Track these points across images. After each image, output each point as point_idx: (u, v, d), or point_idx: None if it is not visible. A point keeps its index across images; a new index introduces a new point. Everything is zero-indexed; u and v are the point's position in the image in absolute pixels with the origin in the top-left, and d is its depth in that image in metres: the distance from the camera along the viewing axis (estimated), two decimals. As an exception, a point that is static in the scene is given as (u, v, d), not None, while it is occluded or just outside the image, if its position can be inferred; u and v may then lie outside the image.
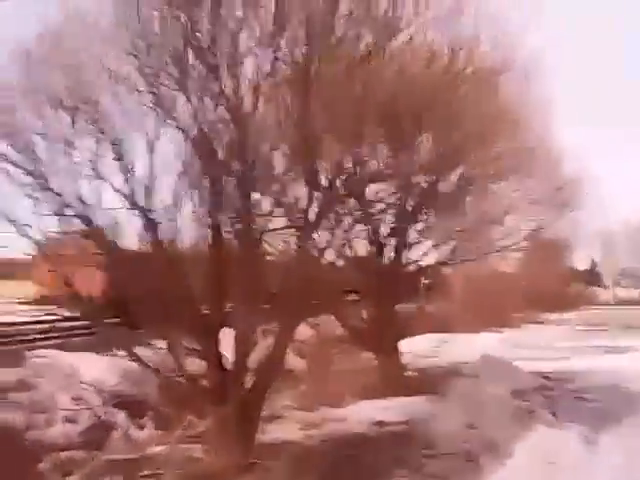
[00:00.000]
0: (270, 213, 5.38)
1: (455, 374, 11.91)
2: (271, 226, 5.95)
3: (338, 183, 6.11)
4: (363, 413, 7.92)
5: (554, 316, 36.10)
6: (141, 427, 8.19)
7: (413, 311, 10.81)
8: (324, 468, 5.24)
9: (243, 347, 5.42)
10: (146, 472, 5.81)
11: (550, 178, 8.88)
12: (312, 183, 5.72)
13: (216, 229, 5.61)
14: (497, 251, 9.80)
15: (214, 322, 5.62)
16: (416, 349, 17.77)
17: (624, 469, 5.37)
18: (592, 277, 54.63)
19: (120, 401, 8.08)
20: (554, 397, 9.23)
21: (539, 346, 18.36)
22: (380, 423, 7.26)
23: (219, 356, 5.69)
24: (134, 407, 8.12)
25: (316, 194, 5.83)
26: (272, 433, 6.94)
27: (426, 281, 42.17)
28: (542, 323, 32.10)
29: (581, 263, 57.10)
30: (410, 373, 12.46)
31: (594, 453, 5.96)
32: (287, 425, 7.36)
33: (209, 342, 5.61)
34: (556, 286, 46.22)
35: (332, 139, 6.02)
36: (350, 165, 6.30)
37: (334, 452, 5.65)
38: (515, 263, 35.88)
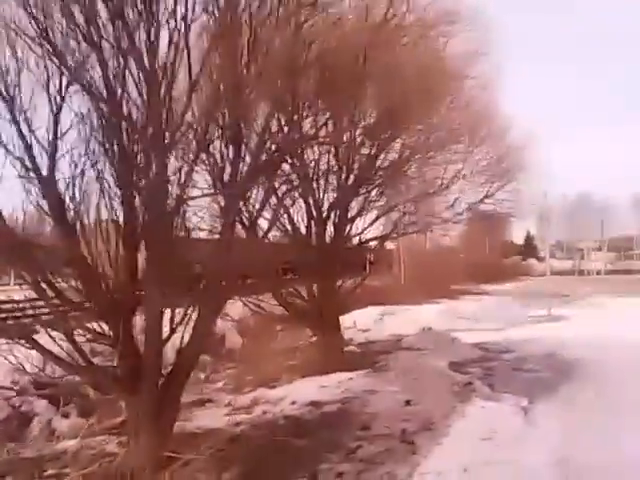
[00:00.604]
0: (186, 182, 4.69)
1: (396, 347, 11.82)
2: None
3: (268, 144, 5.52)
4: (299, 393, 7.52)
5: (492, 287, 37.40)
6: (65, 416, 7.68)
7: (355, 286, 10.40)
8: (248, 457, 4.79)
9: (156, 331, 4.81)
10: (50, 471, 5.19)
11: (494, 146, 8.64)
12: (237, 144, 5.09)
13: (127, 201, 4.91)
14: (439, 223, 9.54)
15: (125, 305, 4.96)
16: (359, 323, 17.78)
17: (560, 441, 5.24)
18: (529, 249, 57.20)
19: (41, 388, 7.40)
20: (492, 368, 9.19)
21: (478, 317, 18.68)
22: (315, 404, 6.87)
23: (132, 342, 5.06)
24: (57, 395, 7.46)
25: (244, 158, 5.22)
26: (198, 420, 6.43)
27: (369, 256, 42.74)
28: (481, 294, 33.08)
29: (518, 236, 59.73)
30: (352, 348, 12.27)
31: (531, 425, 5.83)
32: (216, 410, 6.86)
33: (119, 326, 4.95)
34: (494, 258, 48.09)
35: (263, 97, 5.41)
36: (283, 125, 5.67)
37: (261, 438, 5.20)
38: (456, 236, 36.84)
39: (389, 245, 35.31)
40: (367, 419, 5.99)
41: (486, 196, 9.14)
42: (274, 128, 5.68)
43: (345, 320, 17.69)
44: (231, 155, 5.26)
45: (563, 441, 5.19)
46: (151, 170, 4.62)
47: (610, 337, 11.66)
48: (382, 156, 8.74)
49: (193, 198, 5.02)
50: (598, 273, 49.21)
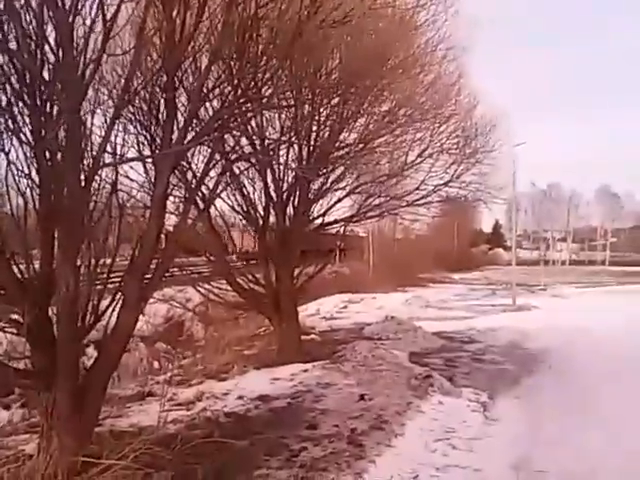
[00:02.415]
0: (103, 145, 4.03)
1: (358, 336, 11.43)
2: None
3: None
4: (248, 386, 7.01)
5: (460, 275, 37.66)
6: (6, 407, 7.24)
7: (315, 272, 9.89)
8: (176, 462, 4.25)
9: (69, 318, 4.19)
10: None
11: (461, 125, 8.19)
12: (170, 100, 4.43)
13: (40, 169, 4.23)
14: (405, 206, 9.08)
15: (37, 289, 4.31)
16: (324, 310, 17.39)
17: (519, 442, 4.88)
18: (496, 238, 57.90)
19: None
20: (453, 359, 8.86)
21: (443, 306, 18.53)
22: (264, 398, 6.37)
23: (47, 330, 4.42)
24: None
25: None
26: (132, 417, 5.85)
27: (339, 242, 42.47)
28: (448, 283, 33.19)
29: (486, 225, 60.42)
30: (313, 336, 11.83)
31: (490, 424, 5.47)
32: (155, 405, 6.26)
33: (32, 313, 4.30)
34: (463, 247, 48.51)
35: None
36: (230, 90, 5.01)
37: (196, 439, 4.66)
38: (426, 224, 36.86)
39: (360, 232, 35.22)
40: (316, 416, 5.52)
41: (452, 179, 8.72)
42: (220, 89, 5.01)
43: (309, 307, 17.41)
44: (163, 115, 4.62)
45: (522, 442, 4.83)
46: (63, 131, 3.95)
47: (573, 328, 11.55)
48: (346, 133, 8.18)
49: (107, 165, 4.33)
50: (563, 263, 50.20)
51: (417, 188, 9.17)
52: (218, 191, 6.10)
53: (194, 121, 4.70)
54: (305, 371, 7.79)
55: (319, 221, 9.28)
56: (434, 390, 6.39)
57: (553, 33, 67.59)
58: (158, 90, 4.53)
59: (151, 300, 10.20)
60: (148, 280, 4.78)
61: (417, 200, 8.90)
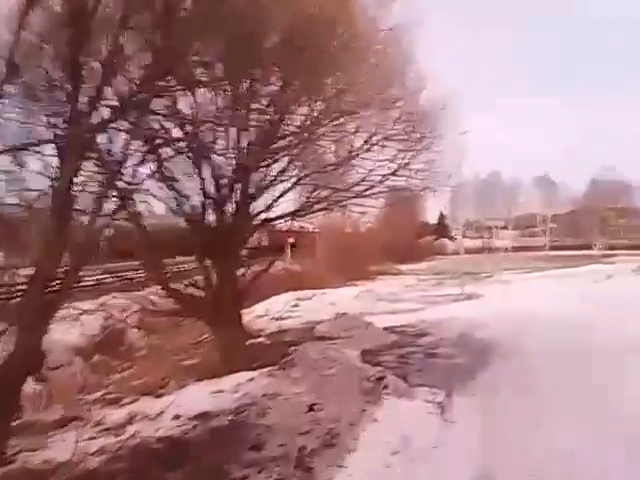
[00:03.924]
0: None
1: (308, 336, 10.95)
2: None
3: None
4: (187, 402, 6.35)
5: (408, 267, 38.01)
6: None
7: (260, 271, 9.30)
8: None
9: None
10: None
11: (407, 110, 7.80)
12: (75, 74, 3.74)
13: None
14: (351, 197, 8.63)
15: None
16: (273, 310, 16.78)
17: (480, 447, 4.53)
18: (442, 229, 58.97)
19: None
20: (406, 356, 8.53)
21: (393, 299, 18.35)
22: (203, 416, 5.74)
23: None
24: None
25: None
26: (51, 449, 5.09)
27: (290, 239, 42.09)
28: (398, 274, 33.37)
29: (431, 216, 61.48)
30: (261, 339, 11.24)
31: (448, 428, 5.10)
32: (80, 432, 5.52)
33: None
34: (410, 238, 49.07)
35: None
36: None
37: (121, 474, 4.02)
38: (374, 217, 36.88)
39: (311, 228, 34.73)
40: (262, 434, 4.97)
41: (399, 167, 8.35)
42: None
43: (258, 308, 16.76)
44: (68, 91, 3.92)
45: (483, 447, 4.48)
46: None
47: (520, 313, 11.59)
48: (287, 122, 7.63)
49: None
50: (506, 250, 51.72)
51: (364, 179, 8.75)
52: (139, 181, 5.39)
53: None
54: (251, 380, 7.20)
55: (263, 217, 8.69)
56: (388, 393, 5.99)
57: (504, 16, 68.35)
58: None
59: (80, 310, 9.33)
60: (56, 288, 4.09)
61: (364, 191, 8.47)
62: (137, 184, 5.39)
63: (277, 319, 15.04)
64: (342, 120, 7.65)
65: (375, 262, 36.53)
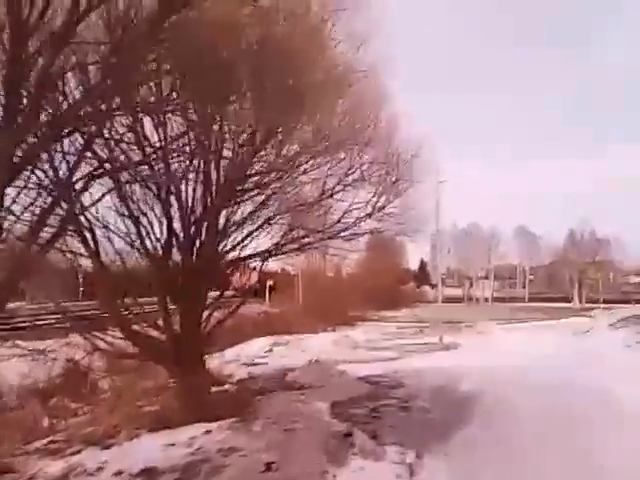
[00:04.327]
0: None
1: (278, 385, 10.39)
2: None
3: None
4: (134, 456, 5.78)
5: (389, 314, 37.58)
6: None
7: (226, 315, 8.82)
8: None
9: None
10: None
11: (381, 153, 7.64)
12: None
13: None
14: (325, 239, 8.32)
15: None
16: (246, 355, 16.13)
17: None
18: (423, 276, 59.02)
19: None
20: (378, 409, 8.03)
21: (371, 346, 17.86)
22: (149, 473, 5.18)
23: None
24: None
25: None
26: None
27: (269, 281, 41.42)
28: (378, 321, 32.86)
29: (413, 263, 61.69)
30: (227, 386, 10.62)
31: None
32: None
33: None
34: (391, 285, 48.85)
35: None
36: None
37: None
38: (355, 262, 36.69)
39: (292, 271, 34.28)
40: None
41: (374, 211, 8.11)
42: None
43: (230, 352, 16.10)
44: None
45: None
46: None
47: (502, 368, 11.14)
48: (258, 160, 7.40)
49: None
50: (486, 300, 51.74)
51: (339, 221, 8.48)
52: (86, 205, 4.99)
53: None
54: (208, 432, 6.63)
55: (231, 256, 8.30)
56: (354, 452, 5.48)
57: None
58: None
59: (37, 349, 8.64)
60: None
61: (338, 233, 8.19)
62: (82, 207, 4.99)
63: (248, 364, 14.41)
64: (315, 161, 7.44)
65: (356, 308, 36.04)
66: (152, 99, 4.91)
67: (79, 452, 6.44)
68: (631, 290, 49.46)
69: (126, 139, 5.42)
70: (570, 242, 51.78)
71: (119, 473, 5.21)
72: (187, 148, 6.04)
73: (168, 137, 6.13)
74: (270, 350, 17.27)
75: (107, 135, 4.71)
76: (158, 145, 5.84)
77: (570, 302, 45.14)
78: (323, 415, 7.14)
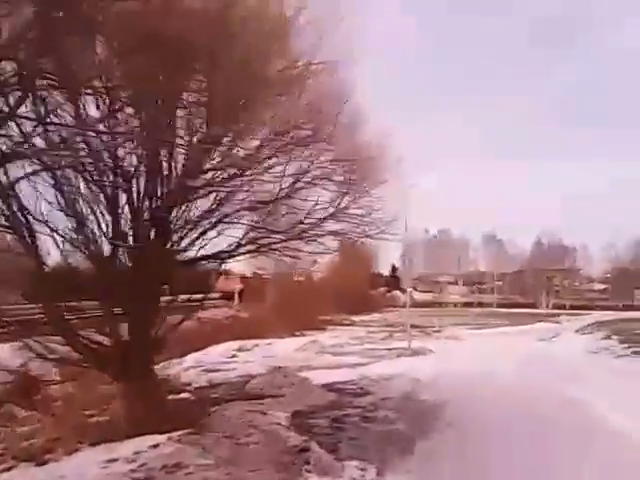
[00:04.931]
0: None
1: (238, 393, 9.88)
2: None
3: None
4: (70, 472, 5.25)
5: (359, 318, 37.36)
6: None
7: (179, 321, 8.25)
8: None
9: None
10: None
11: (343, 149, 7.24)
12: None
13: None
14: (282, 240, 7.87)
15: None
16: (208, 361, 15.53)
17: None
18: (394, 281, 59.09)
19: None
20: (340, 419, 7.63)
21: (339, 351, 17.47)
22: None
23: None
24: None
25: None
26: None
27: (238, 285, 40.81)
28: (347, 325, 32.58)
29: (384, 268, 61.77)
30: (184, 395, 10.07)
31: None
32: None
33: None
34: (362, 289, 48.75)
35: None
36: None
37: None
38: (325, 266, 36.37)
39: (263, 274, 33.65)
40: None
41: (336, 211, 7.73)
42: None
43: (191, 358, 15.48)
44: None
45: None
46: None
47: (470, 375, 10.89)
48: (213, 157, 6.93)
49: None
50: (455, 305, 52.12)
51: (301, 222, 8.04)
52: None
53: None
54: (155, 447, 6.10)
55: (184, 257, 7.80)
56: (309, 470, 5.06)
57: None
58: None
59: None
60: None
61: (299, 234, 7.76)
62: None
63: (210, 371, 13.81)
64: (274, 160, 7.01)
65: (326, 312, 35.65)
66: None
67: (10, 469, 5.86)
68: (595, 297, 50.61)
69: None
70: (537, 249, 52.66)
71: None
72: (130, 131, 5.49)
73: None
74: (234, 356, 16.70)
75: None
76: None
77: (538, 308, 45.77)
78: (280, 427, 6.68)
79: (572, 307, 43.75)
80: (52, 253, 7.05)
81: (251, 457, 5.41)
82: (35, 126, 4.38)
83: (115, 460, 5.72)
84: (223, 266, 8.82)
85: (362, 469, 5.36)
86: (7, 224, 6.26)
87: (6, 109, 3.85)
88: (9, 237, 7.18)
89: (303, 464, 5.19)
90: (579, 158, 66.36)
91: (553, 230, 51.05)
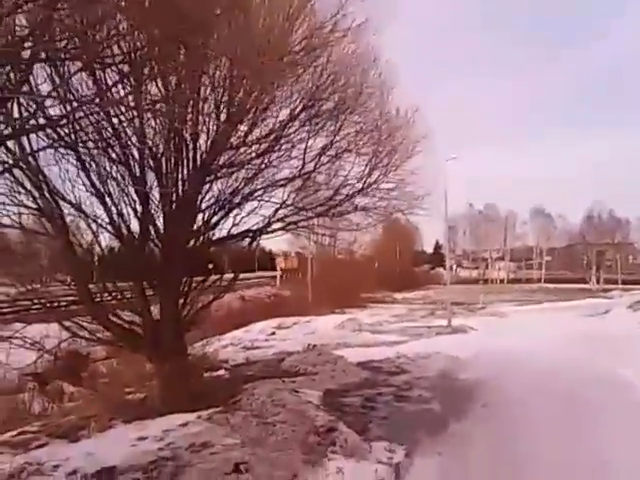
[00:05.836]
0: None
1: (274, 371, 9.89)
2: None
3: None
4: (100, 450, 5.32)
5: (402, 295, 37.04)
6: None
7: (210, 300, 8.24)
8: None
9: None
10: None
11: (368, 118, 6.89)
12: None
13: None
14: (310, 217, 7.67)
15: None
16: (247, 338, 15.73)
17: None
18: (437, 258, 58.15)
19: None
20: (373, 399, 7.48)
21: (378, 329, 17.29)
22: (107, 473, 4.70)
23: None
24: None
25: None
26: None
27: (282, 265, 41.11)
28: (390, 303, 32.37)
29: (428, 245, 60.88)
30: (221, 372, 10.20)
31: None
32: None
33: None
34: (406, 267, 48.25)
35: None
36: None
37: None
38: (368, 244, 36.14)
39: (305, 253, 33.78)
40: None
41: (364, 186, 7.42)
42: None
43: (229, 337, 15.71)
44: None
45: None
46: None
47: (511, 354, 10.49)
48: (238, 133, 6.77)
49: None
50: (501, 282, 50.81)
51: (331, 198, 7.81)
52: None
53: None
54: (184, 425, 6.14)
55: (207, 236, 7.76)
56: (334, 450, 4.94)
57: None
58: None
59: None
60: None
61: (327, 211, 7.54)
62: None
63: (248, 348, 13.99)
64: (300, 135, 6.78)
65: (369, 289, 35.53)
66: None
67: (43, 446, 6.03)
68: (651, 271, 48.14)
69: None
70: (587, 223, 50.25)
71: (73, 472, 4.74)
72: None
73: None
74: (273, 333, 16.83)
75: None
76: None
77: (588, 283, 43.96)
78: (310, 406, 6.58)
79: (625, 282, 41.66)
80: (83, 235, 7.20)
81: (276, 437, 5.35)
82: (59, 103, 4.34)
83: (144, 438, 5.78)
84: (254, 244, 8.67)
85: (390, 450, 5.21)
86: (38, 207, 6.37)
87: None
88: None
89: (329, 445, 5.08)
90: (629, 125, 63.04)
91: (602, 202, 48.51)
